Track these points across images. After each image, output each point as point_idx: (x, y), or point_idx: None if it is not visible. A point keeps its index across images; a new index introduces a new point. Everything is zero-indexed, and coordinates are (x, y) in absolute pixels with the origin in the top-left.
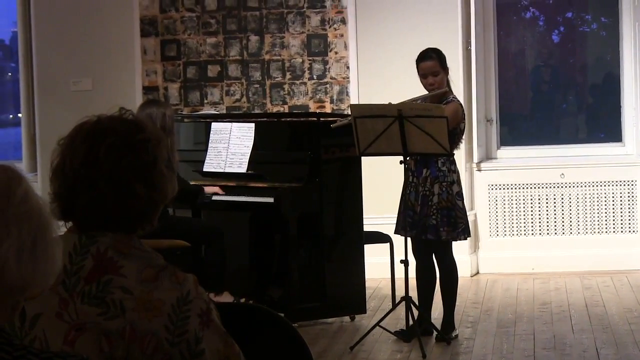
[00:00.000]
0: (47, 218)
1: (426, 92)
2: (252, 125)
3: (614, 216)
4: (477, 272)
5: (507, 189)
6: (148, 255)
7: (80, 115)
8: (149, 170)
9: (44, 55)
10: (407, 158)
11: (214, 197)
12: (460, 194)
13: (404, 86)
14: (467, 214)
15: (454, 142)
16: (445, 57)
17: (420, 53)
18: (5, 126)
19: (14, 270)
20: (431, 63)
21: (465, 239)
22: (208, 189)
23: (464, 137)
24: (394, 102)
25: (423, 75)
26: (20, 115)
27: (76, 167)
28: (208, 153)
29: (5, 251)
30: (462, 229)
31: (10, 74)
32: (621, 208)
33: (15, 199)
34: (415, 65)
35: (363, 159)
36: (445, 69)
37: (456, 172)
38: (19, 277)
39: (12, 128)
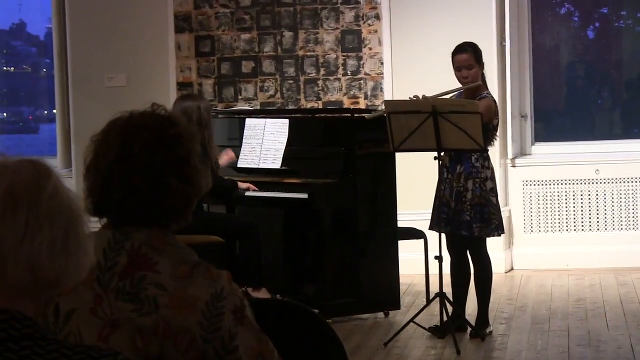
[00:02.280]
0: (78, 211)
1: (459, 85)
2: (286, 121)
3: None
4: (512, 269)
5: (542, 184)
6: (182, 252)
7: (114, 111)
8: (182, 164)
9: (78, 51)
10: (442, 154)
11: (247, 193)
12: (494, 190)
13: (438, 82)
14: (502, 210)
15: (487, 138)
16: (480, 52)
17: (456, 46)
18: (40, 122)
19: (46, 265)
20: (466, 56)
21: (499, 235)
22: (241, 185)
23: (498, 133)
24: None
25: (457, 68)
26: (54, 111)
27: (110, 162)
28: (242, 149)
29: (37, 246)
30: (495, 225)
31: (45, 69)
32: None
33: (45, 194)
34: (450, 60)
35: (397, 154)
36: (480, 63)
37: (490, 168)
38: (52, 272)
39: (47, 124)
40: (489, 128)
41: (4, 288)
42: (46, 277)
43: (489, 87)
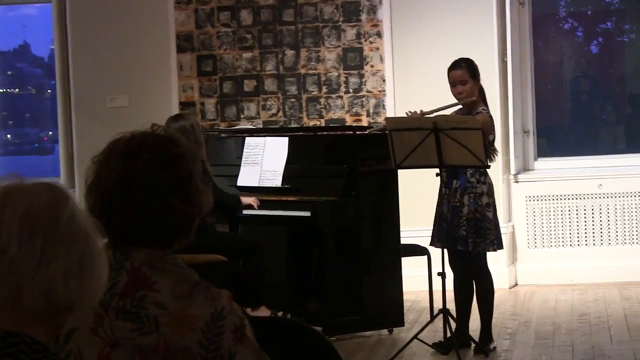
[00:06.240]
0: (93, 236)
1: (455, 101)
2: (286, 139)
3: None
4: (516, 284)
5: (545, 200)
6: (182, 271)
7: (117, 132)
8: (184, 184)
9: (80, 73)
10: (443, 170)
11: (249, 212)
12: (489, 205)
13: (440, 99)
14: (504, 225)
15: (484, 153)
16: (476, 67)
17: (452, 62)
18: (43, 143)
19: (61, 291)
20: (460, 72)
21: (495, 250)
22: (245, 200)
23: (500, 149)
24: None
25: (452, 84)
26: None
27: (112, 183)
28: (242, 167)
29: (53, 273)
30: (491, 240)
31: (49, 91)
32: None
33: (62, 219)
34: None
35: (399, 171)
36: (475, 78)
37: (487, 183)
38: (66, 298)
39: (51, 145)
40: (484, 143)
41: (17, 313)
42: (60, 303)
43: (491, 102)
